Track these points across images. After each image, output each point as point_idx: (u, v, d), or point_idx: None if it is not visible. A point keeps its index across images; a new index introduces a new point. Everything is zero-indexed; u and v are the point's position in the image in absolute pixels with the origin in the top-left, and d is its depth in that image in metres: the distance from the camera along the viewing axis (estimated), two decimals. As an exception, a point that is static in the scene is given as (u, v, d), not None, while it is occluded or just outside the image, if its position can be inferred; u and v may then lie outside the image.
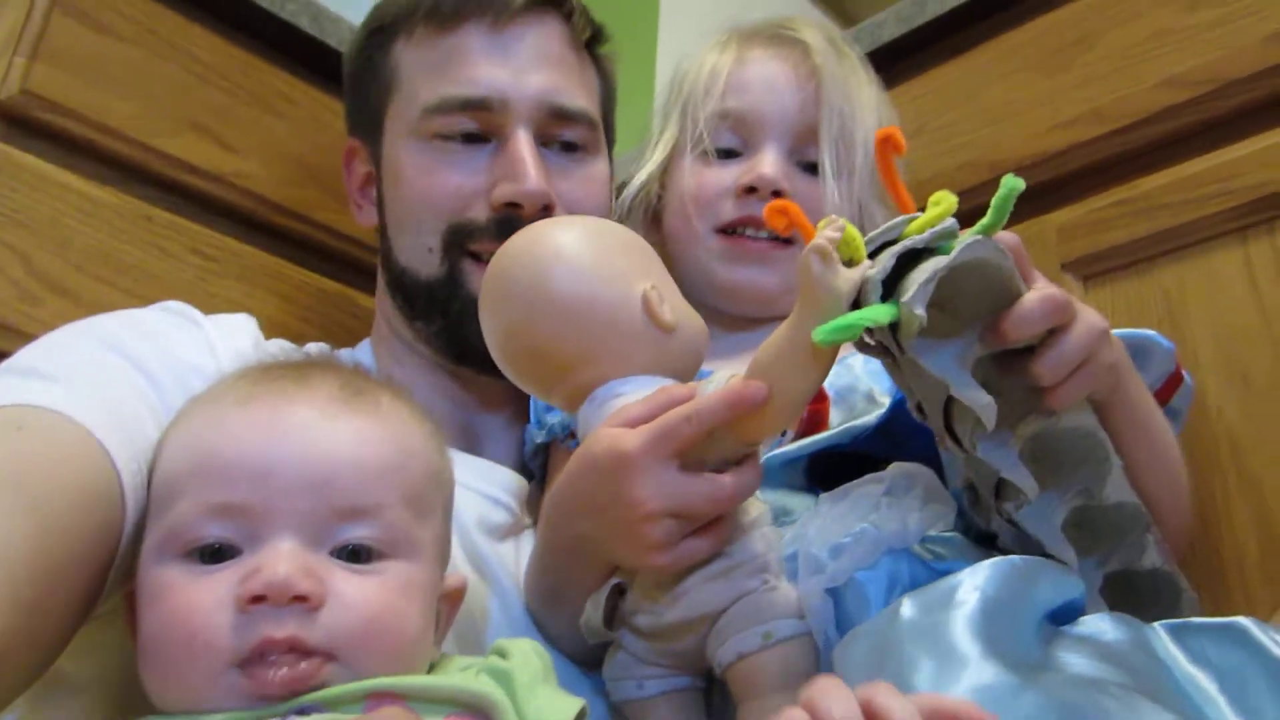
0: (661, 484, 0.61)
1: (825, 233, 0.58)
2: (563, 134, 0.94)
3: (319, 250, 1.16)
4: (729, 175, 0.91)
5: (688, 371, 0.70)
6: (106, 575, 0.59)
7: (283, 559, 0.52)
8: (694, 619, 0.64)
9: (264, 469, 0.54)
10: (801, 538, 0.65)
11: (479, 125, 0.91)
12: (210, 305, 0.85)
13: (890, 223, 0.61)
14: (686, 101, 0.96)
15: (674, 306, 0.69)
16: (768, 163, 0.89)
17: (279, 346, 0.85)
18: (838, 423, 0.76)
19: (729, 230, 0.91)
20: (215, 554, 0.53)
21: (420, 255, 0.92)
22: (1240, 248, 0.90)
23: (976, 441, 0.61)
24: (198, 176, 1.06)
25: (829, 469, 0.75)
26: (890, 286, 0.58)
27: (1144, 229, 0.95)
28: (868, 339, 0.64)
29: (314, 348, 0.90)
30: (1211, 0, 0.95)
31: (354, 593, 0.53)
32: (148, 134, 1.03)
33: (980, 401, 0.58)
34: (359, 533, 0.55)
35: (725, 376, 0.63)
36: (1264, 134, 0.91)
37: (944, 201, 0.60)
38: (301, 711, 0.50)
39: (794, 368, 0.59)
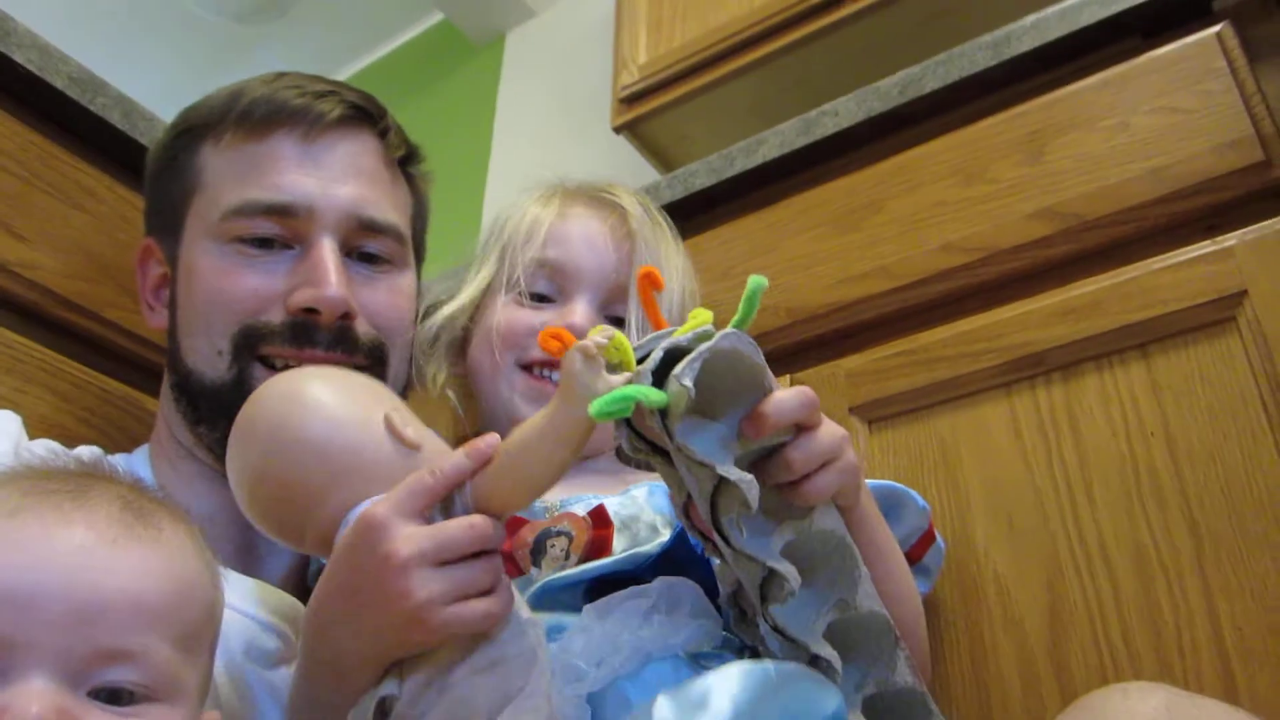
0: (414, 532, 0.62)
1: (594, 338, 0.61)
2: (368, 245, 0.94)
3: (106, 349, 1.10)
4: (539, 318, 0.94)
5: None
6: None
7: (34, 700, 0.48)
8: (460, 718, 0.62)
9: (23, 598, 0.50)
10: (566, 650, 0.65)
11: (282, 231, 0.90)
12: (-24, 398, 0.79)
13: (654, 334, 0.66)
14: (506, 245, 0.99)
15: (415, 429, 0.71)
16: (579, 312, 0.93)
17: (45, 447, 0.80)
18: (621, 549, 0.77)
19: (531, 368, 0.93)
20: None
21: (209, 358, 0.89)
22: (1005, 400, 0.98)
23: (743, 528, 0.64)
24: (-24, 263, 1.00)
25: (607, 594, 0.76)
26: (659, 380, 0.62)
27: (923, 379, 1.02)
28: (636, 444, 0.68)
29: (85, 451, 0.85)
30: (984, 177, 1.06)
31: None
32: (-77, 215, 0.97)
33: (744, 478, 0.61)
34: (121, 675, 0.52)
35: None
36: (1028, 299, 1.01)
37: (700, 316, 0.65)
38: None
39: (541, 451, 0.64)
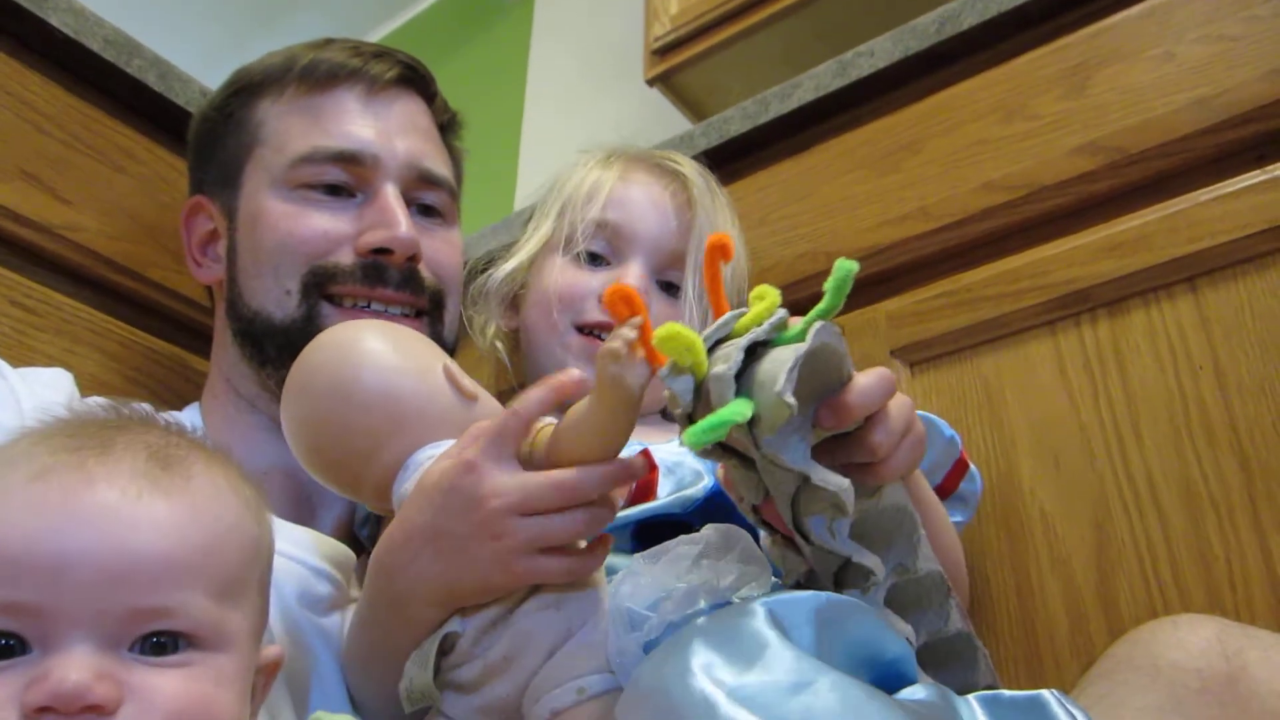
0: (509, 479, 0.62)
1: (621, 332, 0.58)
2: (425, 197, 0.98)
3: (152, 309, 1.12)
4: (595, 280, 0.96)
5: None
6: None
7: (74, 666, 0.48)
8: (520, 650, 0.63)
9: (54, 566, 0.49)
10: (615, 594, 0.65)
11: (348, 178, 0.94)
12: (28, 359, 0.81)
13: (718, 321, 0.61)
14: (566, 205, 1.00)
15: (470, 380, 0.72)
16: (633, 275, 0.94)
17: (96, 404, 0.81)
18: (666, 493, 0.78)
19: (586, 330, 0.94)
20: (1, 651, 0.48)
21: (277, 298, 0.92)
22: (1050, 338, 0.97)
23: (835, 530, 0.61)
24: (23, 226, 1.01)
25: (657, 538, 0.76)
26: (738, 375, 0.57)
27: (965, 319, 1.01)
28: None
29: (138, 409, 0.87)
30: (1024, 114, 1.04)
31: (158, 689, 0.49)
32: (-31, 179, 0.99)
33: (842, 485, 0.58)
34: (162, 626, 0.51)
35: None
36: (1072, 236, 0.99)
37: (768, 295, 0.61)
38: None
39: (585, 444, 0.62)
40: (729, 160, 1.22)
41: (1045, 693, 0.60)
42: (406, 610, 0.66)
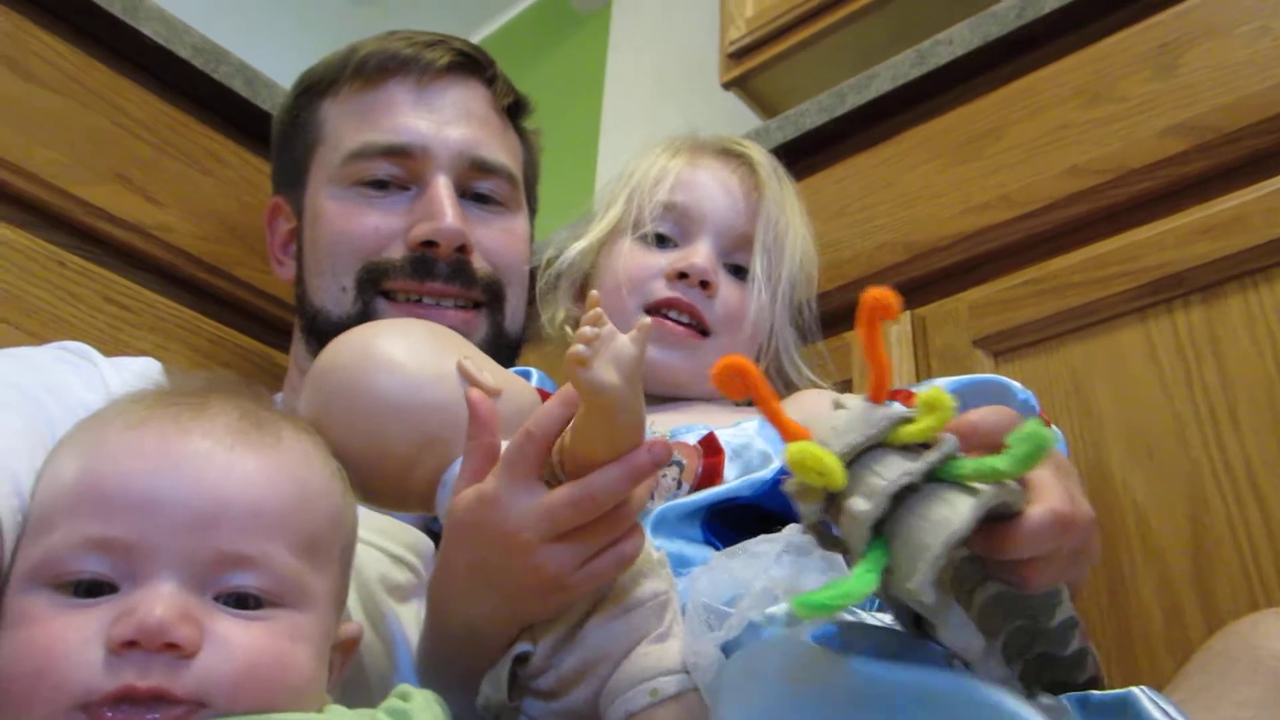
0: (533, 507, 0.58)
1: (582, 332, 0.53)
2: (480, 186, 0.97)
3: (238, 307, 1.15)
4: (663, 260, 0.94)
5: None
6: None
7: (160, 602, 0.48)
8: (593, 662, 0.62)
9: (148, 503, 0.50)
10: (692, 590, 0.63)
11: (399, 172, 0.94)
12: (122, 354, 0.83)
13: (870, 421, 0.50)
14: (635, 189, 0.99)
15: (491, 372, 0.68)
16: (700, 254, 0.92)
17: (191, 375, 0.83)
18: (733, 477, 0.76)
19: (654, 311, 0.93)
20: (89, 589, 0.49)
21: (334, 295, 0.93)
22: (1141, 325, 0.93)
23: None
24: (117, 226, 1.05)
25: (726, 523, 0.75)
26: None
27: (1051, 307, 0.98)
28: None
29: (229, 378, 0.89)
30: (1110, 96, 1.01)
31: (237, 638, 0.50)
32: (69, 181, 1.02)
33: (975, 647, 0.50)
34: (245, 580, 0.51)
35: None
36: (1163, 219, 0.96)
37: (940, 407, 0.49)
38: None
39: (594, 451, 0.57)
40: (805, 154, 1.21)
41: (1135, 690, 0.57)
42: (471, 638, 0.65)
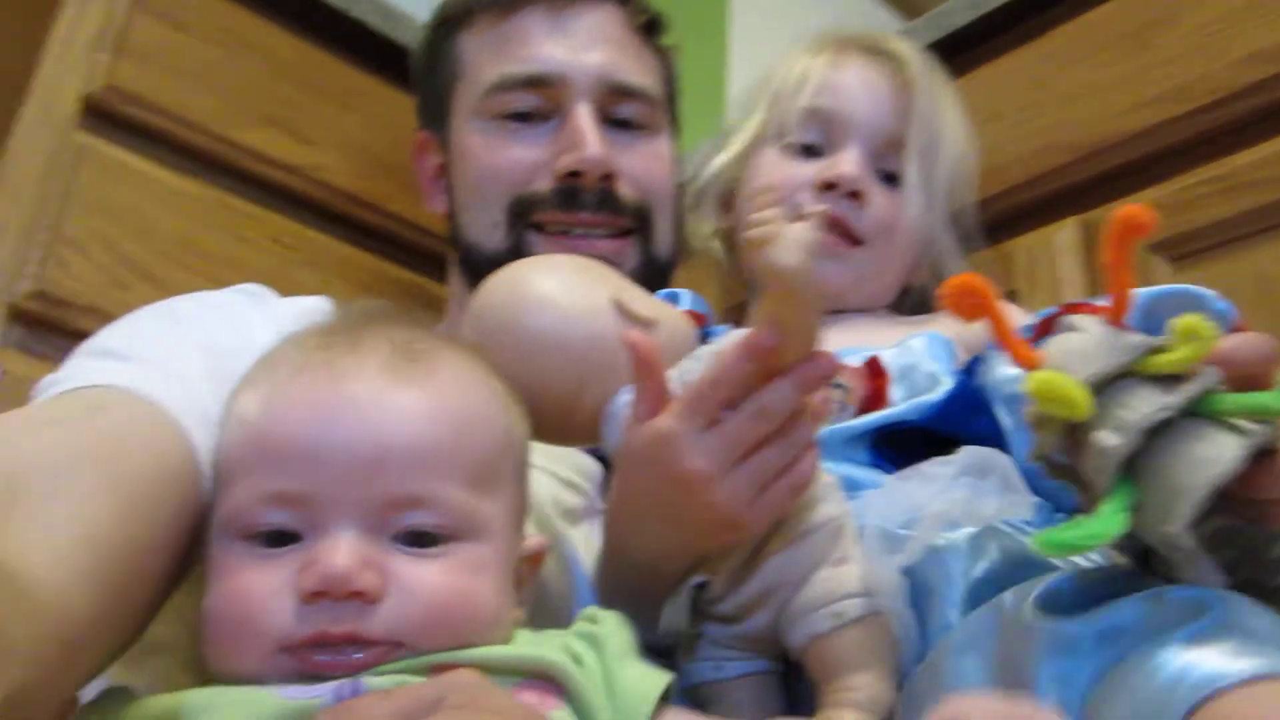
0: (710, 443, 0.58)
1: (760, 215, 0.52)
2: (622, 110, 0.96)
3: (393, 241, 1.18)
4: (809, 170, 0.90)
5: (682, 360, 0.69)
6: (189, 550, 0.58)
7: (340, 552, 0.49)
8: (773, 587, 0.63)
9: (314, 455, 0.51)
10: (867, 512, 0.63)
11: (540, 102, 0.93)
12: (290, 292, 0.86)
13: (1117, 348, 0.47)
14: (776, 95, 0.95)
15: (645, 303, 0.68)
16: (850, 161, 0.88)
17: (352, 305, 0.85)
18: (900, 399, 0.75)
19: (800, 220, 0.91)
20: (278, 538, 0.51)
21: (486, 230, 0.93)
22: (1337, 222, 0.88)
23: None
24: (275, 168, 1.08)
25: (893, 446, 0.74)
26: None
27: (1234, 207, 0.93)
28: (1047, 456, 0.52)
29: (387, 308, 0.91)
30: (1301, -29, 0.93)
31: (418, 579, 0.51)
32: (225, 127, 1.06)
33: (1218, 585, 0.47)
34: (419, 519, 0.52)
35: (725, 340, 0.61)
36: (1359, 106, 0.89)
37: (1200, 336, 0.46)
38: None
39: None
40: (954, 56, 1.15)
41: None
42: (649, 569, 0.65)
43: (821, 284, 0.87)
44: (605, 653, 0.53)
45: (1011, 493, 0.62)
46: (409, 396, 0.54)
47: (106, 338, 0.67)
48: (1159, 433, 0.45)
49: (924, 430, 0.73)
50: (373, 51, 1.21)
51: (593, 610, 0.58)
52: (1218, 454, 0.43)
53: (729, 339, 0.61)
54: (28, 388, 0.77)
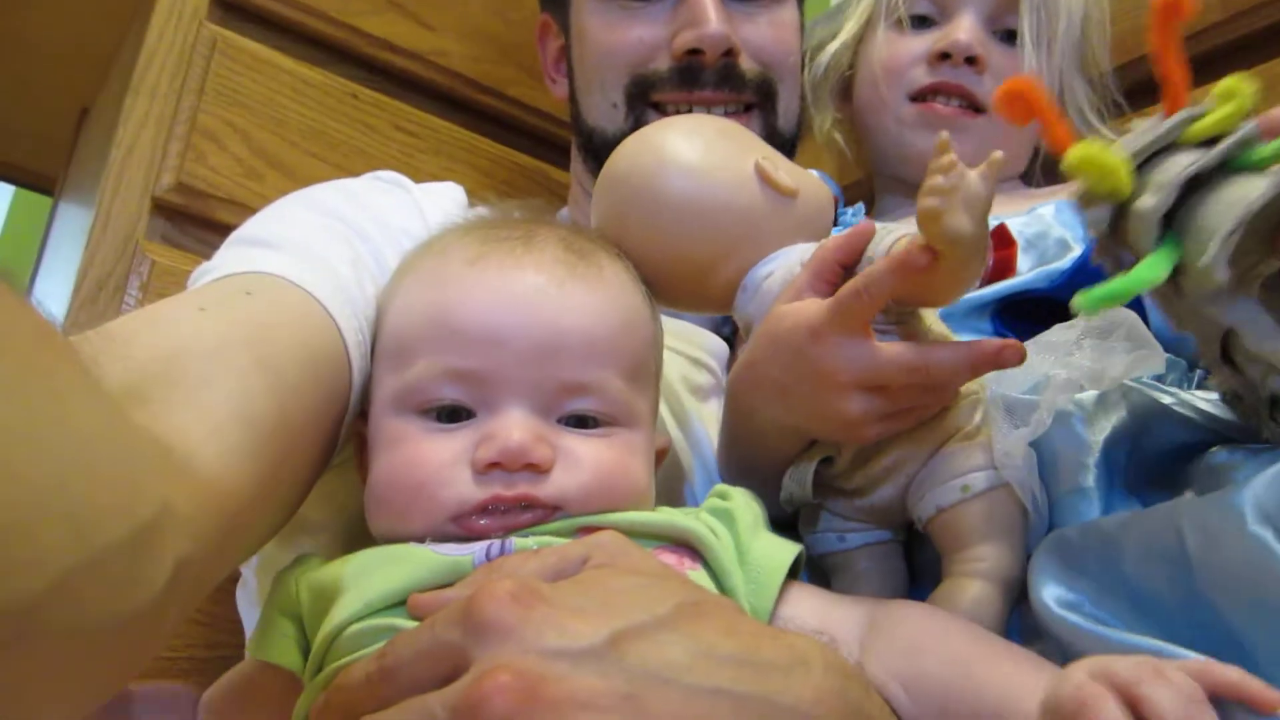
0: (852, 356, 0.57)
1: (935, 183, 0.50)
2: None
3: (513, 126, 1.18)
4: (923, 43, 0.89)
5: (823, 231, 0.67)
6: (337, 431, 0.61)
7: (516, 427, 0.53)
8: (902, 460, 0.63)
9: (495, 337, 0.54)
10: (994, 381, 0.62)
11: None
12: (415, 179, 0.88)
13: (1165, 124, 0.49)
14: None
15: (788, 171, 0.66)
16: (963, 28, 0.86)
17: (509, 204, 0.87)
18: (1028, 269, 0.73)
19: (920, 99, 0.89)
20: (451, 414, 0.55)
21: (606, 112, 0.93)
22: None
23: (1270, 381, 0.51)
24: (398, 55, 1.09)
25: (1018, 315, 0.72)
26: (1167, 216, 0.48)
27: None
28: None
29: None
30: None
31: (583, 453, 0.54)
32: (350, 14, 1.07)
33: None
34: (585, 404, 0.55)
35: (897, 235, 0.59)
36: None
37: (1237, 94, 0.47)
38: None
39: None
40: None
41: None
42: (769, 441, 0.66)
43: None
44: (737, 526, 0.55)
45: (1139, 347, 0.60)
46: (583, 291, 0.57)
47: (255, 227, 0.69)
48: (1196, 189, 0.46)
49: (1050, 300, 0.71)
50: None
51: (722, 487, 0.60)
52: (1248, 192, 0.44)
53: (892, 238, 0.59)
54: (174, 279, 0.82)
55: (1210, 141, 0.47)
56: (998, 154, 0.52)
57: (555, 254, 0.58)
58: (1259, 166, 0.46)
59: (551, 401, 0.55)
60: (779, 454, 0.67)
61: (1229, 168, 0.47)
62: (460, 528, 0.52)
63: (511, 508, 0.52)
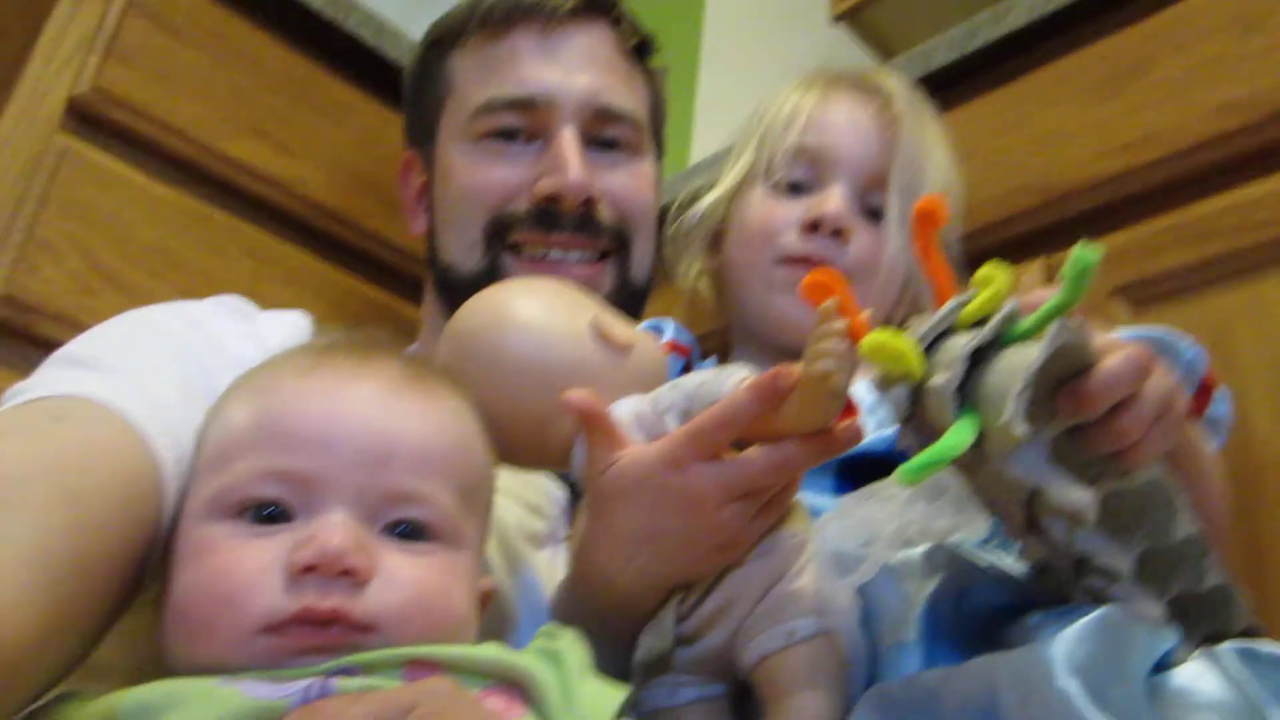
0: (720, 473, 0.59)
1: (827, 346, 0.55)
2: (607, 132, 0.96)
3: (367, 259, 1.18)
4: (796, 209, 0.91)
5: (655, 384, 0.69)
6: (143, 566, 0.58)
7: (336, 530, 0.51)
8: (731, 601, 0.63)
9: (324, 439, 0.53)
10: (822, 535, 0.64)
11: (526, 123, 0.93)
12: (261, 307, 0.87)
13: (939, 313, 0.55)
14: (765, 133, 0.96)
15: (622, 328, 0.69)
16: (833, 200, 0.89)
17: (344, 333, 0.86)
18: (872, 429, 0.76)
19: (790, 262, 0.91)
20: (268, 517, 0.52)
21: (463, 250, 0.94)
22: (1292, 275, 0.89)
23: (1074, 538, 0.56)
24: (256, 179, 1.09)
25: (858, 476, 0.74)
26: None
27: (1195, 255, 0.94)
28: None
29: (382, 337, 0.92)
30: (1267, 27, 0.95)
31: (403, 569, 0.52)
32: (211, 136, 1.06)
33: (1081, 502, 0.53)
34: (413, 513, 0.54)
35: (740, 377, 0.61)
36: (1320, 162, 0.91)
37: (995, 279, 0.54)
38: (340, 673, 0.48)
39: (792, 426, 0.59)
40: (933, 93, 1.17)
41: None
42: (627, 602, 0.65)
43: (805, 328, 0.88)
44: (564, 667, 0.54)
45: (965, 512, 0.63)
46: (421, 400, 0.57)
47: (79, 345, 0.67)
48: (980, 363, 0.52)
49: (889, 461, 0.74)
50: (363, 67, 1.22)
51: (550, 627, 0.59)
52: (1026, 357, 0.50)
53: (712, 371, 0.62)
54: (-9, 395, 0.77)
55: (980, 322, 0.54)
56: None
57: (392, 372, 0.58)
58: (1026, 337, 0.52)
59: (377, 509, 0.53)
60: (637, 612, 0.66)
61: (1002, 342, 0.53)
62: (267, 650, 0.49)
63: (322, 625, 0.50)
